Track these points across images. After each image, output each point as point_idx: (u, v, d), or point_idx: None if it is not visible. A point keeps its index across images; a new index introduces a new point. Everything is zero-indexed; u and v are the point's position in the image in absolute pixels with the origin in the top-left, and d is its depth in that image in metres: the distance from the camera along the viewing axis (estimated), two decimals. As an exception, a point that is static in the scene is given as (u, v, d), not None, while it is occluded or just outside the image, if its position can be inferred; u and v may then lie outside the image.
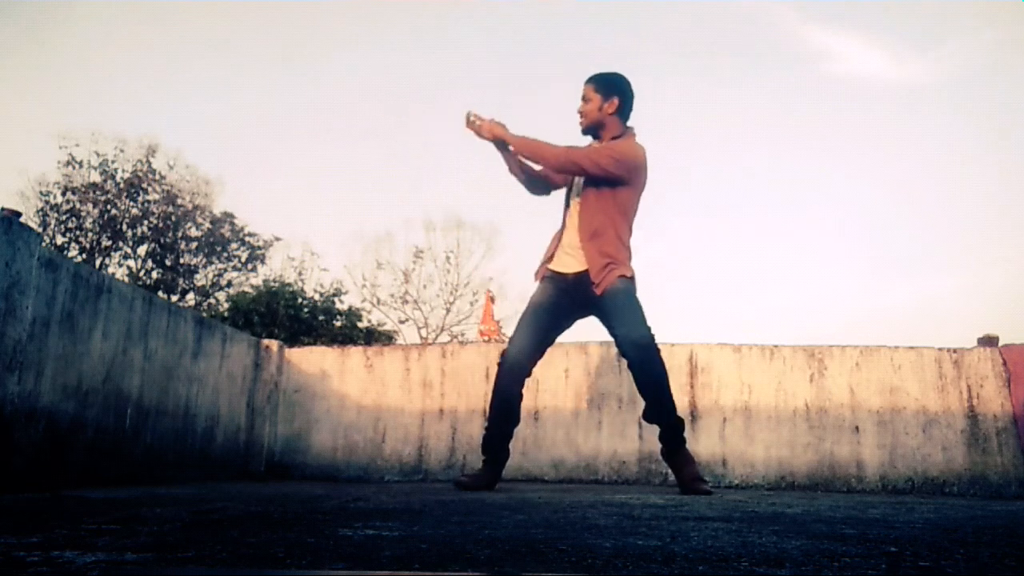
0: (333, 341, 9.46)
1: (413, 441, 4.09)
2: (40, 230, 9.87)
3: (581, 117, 2.88)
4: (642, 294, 2.78)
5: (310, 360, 4.31)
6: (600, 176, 2.75)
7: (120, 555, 1.04)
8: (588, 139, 2.93)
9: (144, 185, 15.74)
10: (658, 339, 2.70)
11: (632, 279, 2.76)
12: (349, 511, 1.71)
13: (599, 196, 2.78)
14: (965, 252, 25.68)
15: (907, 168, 26.44)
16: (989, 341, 3.83)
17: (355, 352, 4.32)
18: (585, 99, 2.86)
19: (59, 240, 15.03)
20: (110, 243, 15.43)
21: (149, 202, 15.78)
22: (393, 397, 4.17)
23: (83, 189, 15.26)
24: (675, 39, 28.81)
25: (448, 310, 18.33)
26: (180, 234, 15.72)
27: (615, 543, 1.20)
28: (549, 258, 2.88)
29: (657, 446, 2.86)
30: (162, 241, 15.55)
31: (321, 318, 10.41)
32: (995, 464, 3.58)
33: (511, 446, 2.86)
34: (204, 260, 16.14)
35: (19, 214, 2.59)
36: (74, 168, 15.44)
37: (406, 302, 18.22)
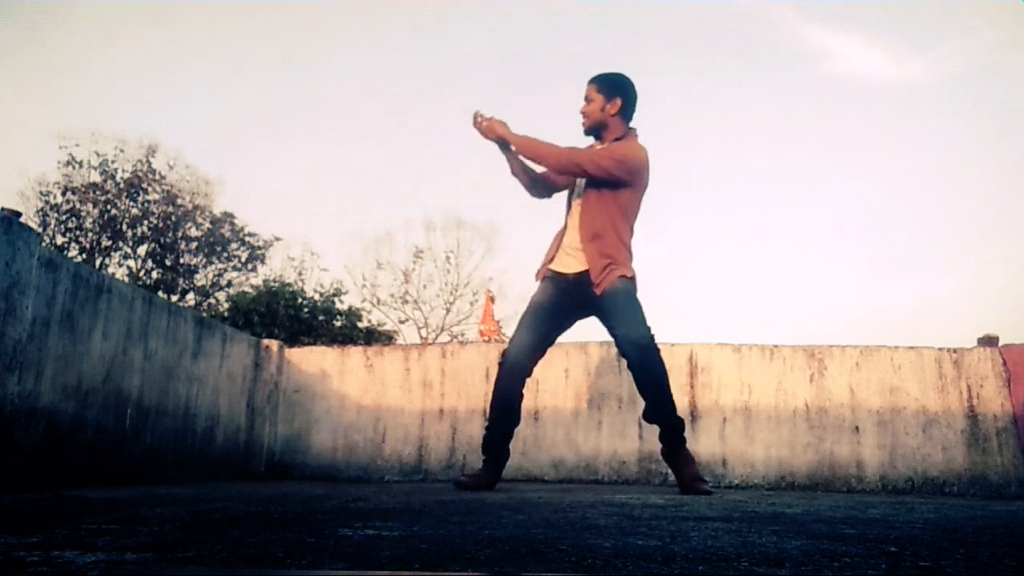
0: (333, 341, 9.46)
1: (413, 441, 4.09)
2: (40, 230, 9.87)
3: (583, 118, 2.87)
4: (642, 294, 2.78)
5: (310, 360, 4.31)
6: (601, 178, 2.74)
7: (120, 555, 1.04)
8: (590, 140, 2.93)
9: (144, 185, 15.74)
10: (658, 339, 2.70)
11: (632, 279, 2.76)
12: (349, 511, 1.71)
13: (600, 197, 2.77)
14: (965, 252, 25.69)
15: (907, 168, 26.45)
16: (989, 341, 3.83)
17: (355, 352, 4.32)
18: (588, 99, 2.86)
19: (59, 240, 15.03)
20: (110, 243, 15.43)
21: (149, 202, 15.78)
22: (393, 397, 4.17)
23: (83, 189, 15.27)
24: (675, 39, 28.82)
25: (448, 310, 18.35)
26: (180, 234, 15.72)
27: (615, 543, 1.20)
28: (550, 258, 2.88)
29: (657, 446, 2.86)
30: (162, 241, 15.55)
31: (321, 318, 10.41)
32: (995, 464, 3.58)
33: (511, 446, 2.86)
34: (204, 260, 16.14)
35: (19, 214, 2.59)
36: (74, 168, 15.45)
37: (406, 302, 18.23)
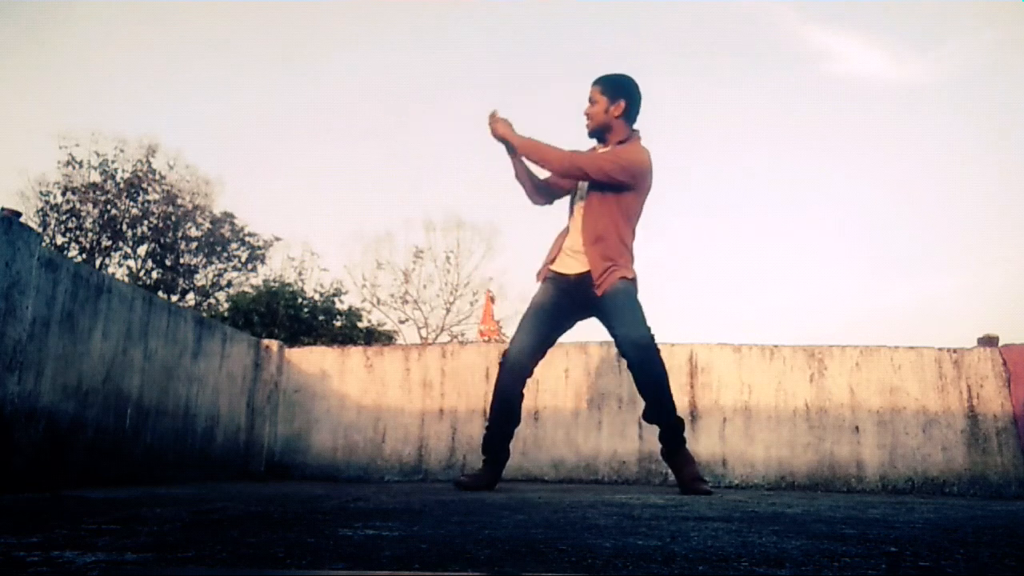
0: (333, 341, 9.46)
1: (413, 441, 4.09)
2: (40, 230, 9.88)
3: (587, 119, 2.87)
4: (642, 294, 2.78)
5: (310, 360, 4.31)
6: (604, 182, 2.74)
7: (120, 555, 1.04)
8: (592, 142, 2.92)
9: (144, 185, 15.75)
10: (658, 339, 2.70)
11: (633, 281, 2.76)
12: (349, 511, 1.71)
13: (603, 200, 2.77)
14: (965, 252, 25.70)
15: (907, 168, 26.46)
16: (989, 341, 3.83)
17: (355, 352, 4.32)
18: (591, 101, 2.85)
19: (59, 240, 15.03)
20: (110, 243, 15.43)
21: (149, 202, 15.78)
22: (393, 397, 4.17)
23: (83, 189, 15.27)
24: (675, 39, 28.82)
25: (448, 310, 18.35)
26: (180, 234, 15.72)
27: (615, 543, 1.20)
28: (551, 259, 2.88)
29: (657, 446, 2.86)
30: (162, 241, 15.55)
31: (321, 318, 10.42)
32: (995, 464, 3.58)
33: (511, 446, 2.86)
34: (204, 260, 16.14)
35: (19, 214, 2.59)
36: (74, 168, 15.45)
37: (406, 302, 18.23)
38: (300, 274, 14.61)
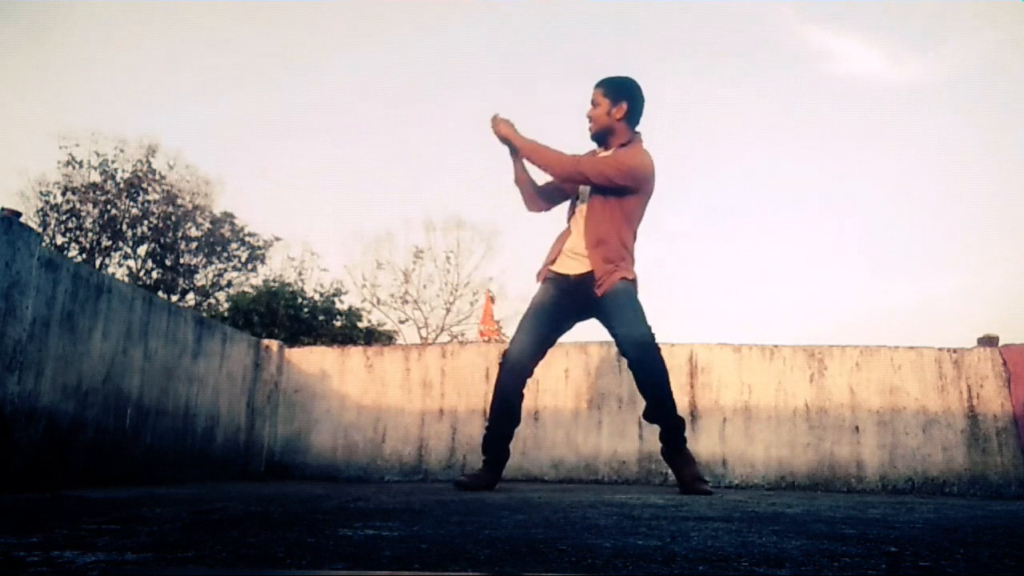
0: (333, 341, 9.46)
1: (413, 441, 4.09)
2: (40, 230, 9.88)
3: (590, 122, 2.86)
4: (642, 294, 2.78)
5: (310, 360, 4.31)
6: (605, 186, 2.74)
7: (120, 555, 1.04)
8: (594, 144, 2.91)
9: (144, 185, 15.75)
10: (658, 339, 2.70)
11: (634, 282, 2.76)
12: (349, 511, 1.71)
13: (605, 203, 2.77)
14: (965, 252, 25.70)
15: (907, 168, 26.46)
16: (989, 341, 3.83)
17: (355, 352, 4.32)
18: (594, 103, 2.85)
19: (59, 240, 15.04)
20: (110, 243, 15.43)
21: (149, 202, 15.79)
22: (393, 397, 4.17)
23: (83, 189, 15.27)
24: (675, 39, 28.83)
25: (448, 310, 18.34)
26: (180, 234, 15.73)
27: (615, 543, 1.20)
28: (552, 260, 2.88)
29: (657, 446, 2.86)
30: (162, 241, 15.55)
31: (321, 318, 10.42)
32: (995, 464, 3.58)
33: (511, 446, 2.86)
34: (204, 260, 16.14)
35: (19, 214, 2.59)
36: (74, 168, 15.46)
37: (406, 302, 18.23)
38: (300, 274, 14.63)
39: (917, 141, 26.54)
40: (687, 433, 2.80)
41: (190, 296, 15.98)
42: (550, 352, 2.89)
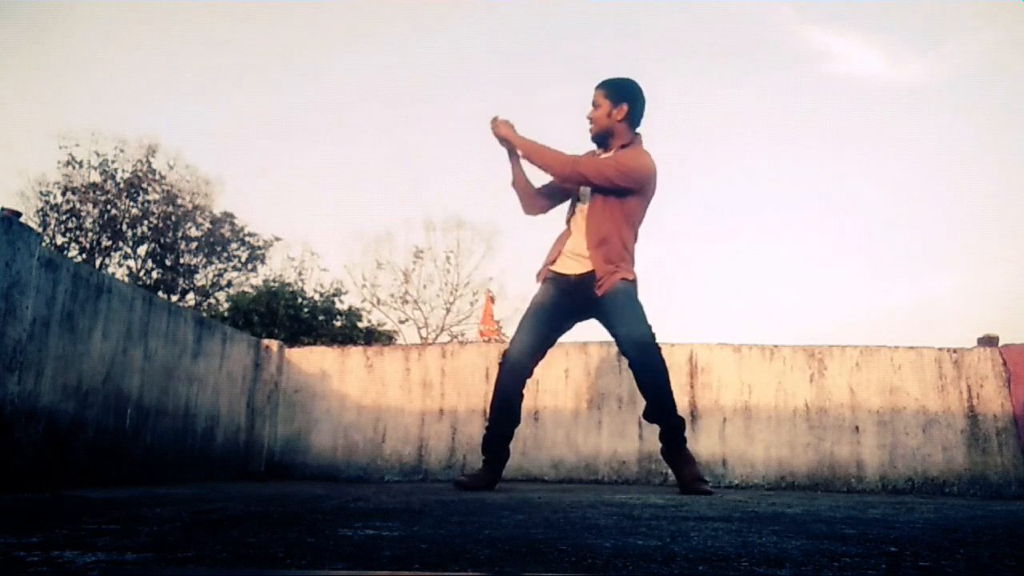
0: (333, 341, 9.46)
1: (413, 441, 4.09)
2: (40, 230, 9.88)
3: (590, 123, 2.86)
4: (642, 294, 2.78)
5: (310, 360, 4.31)
6: (606, 187, 2.74)
7: (120, 555, 1.04)
8: (594, 145, 2.91)
9: (144, 185, 15.75)
10: (658, 339, 2.70)
11: (634, 282, 2.76)
12: (349, 511, 1.71)
13: (607, 204, 2.76)
14: (965, 252, 25.71)
15: (907, 168, 26.46)
16: (989, 341, 3.83)
17: (355, 352, 4.32)
18: (595, 105, 2.84)
19: (59, 240, 15.04)
20: (110, 243, 15.43)
21: (149, 202, 15.79)
22: (393, 397, 4.17)
23: (83, 189, 15.27)
24: (675, 39, 28.83)
25: (448, 310, 18.34)
26: (180, 234, 15.73)
27: (615, 543, 1.20)
28: (552, 261, 2.87)
29: (657, 446, 2.85)
30: (162, 241, 15.56)
31: (321, 318, 10.42)
32: (995, 464, 3.58)
33: (511, 446, 2.86)
34: (204, 260, 16.15)
35: (19, 214, 2.59)
36: (74, 168, 15.46)
37: (406, 302, 18.23)
38: (300, 274, 14.64)
39: (917, 141, 26.56)
40: (687, 433, 2.80)
41: (190, 296, 15.98)
42: (550, 352, 2.89)
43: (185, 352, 3.48)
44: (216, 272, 16.32)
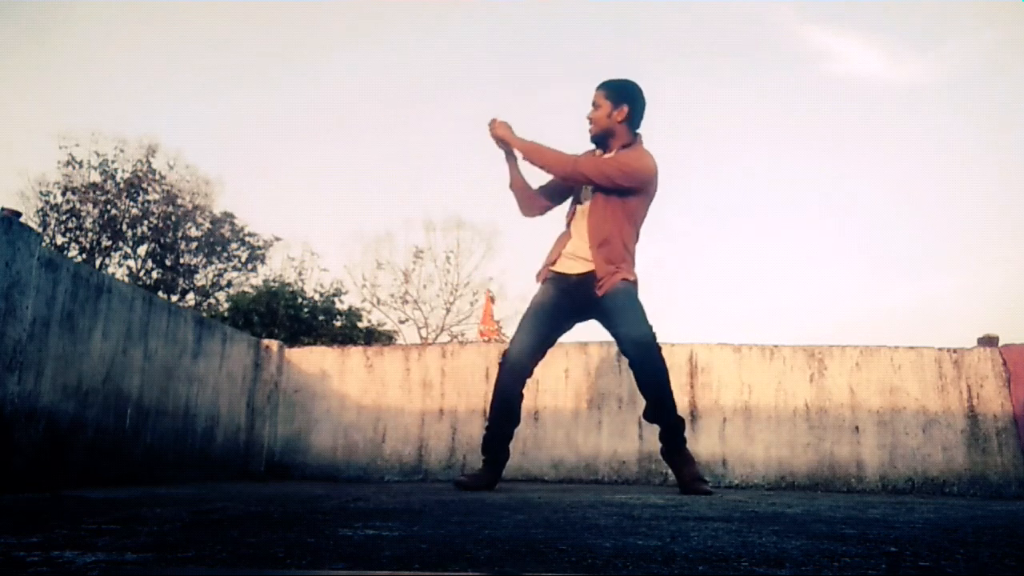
0: (333, 341, 9.46)
1: (413, 441, 4.09)
2: (40, 230, 9.88)
3: (591, 124, 2.86)
4: (642, 294, 2.78)
5: (310, 360, 4.31)
6: (607, 187, 2.74)
7: (120, 555, 1.04)
8: (593, 145, 2.91)
9: (144, 185, 15.75)
10: (658, 339, 2.70)
11: (634, 283, 2.76)
12: (349, 511, 1.71)
13: (608, 204, 2.76)
14: (965, 252, 25.71)
15: (907, 168, 26.46)
16: (989, 341, 3.83)
17: (355, 352, 4.32)
18: (595, 105, 2.84)
19: (59, 240, 15.04)
20: (110, 243, 15.43)
21: (149, 202, 15.79)
22: (393, 397, 4.17)
23: (83, 189, 15.27)
24: (675, 39, 28.83)
25: (448, 310, 18.34)
26: (180, 234, 15.73)
27: (615, 543, 1.20)
28: (552, 261, 2.87)
29: (657, 446, 2.85)
30: (162, 241, 15.55)
31: (321, 318, 10.42)
32: (995, 464, 3.58)
33: (511, 446, 2.86)
34: (204, 260, 16.14)
35: (19, 214, 2.59)
36: (74, 168, 15.46)
37: (406, 302, 18.23)
38: (300, 274, 14.64)
39: (917, 141, 26.57)
40: (687, 433, 2.80)
41: (190, 296, 15.98)
42: (550, 352, 2.89)
43: (185, 352, 3.48)
44: (216, 272, 16.32)
